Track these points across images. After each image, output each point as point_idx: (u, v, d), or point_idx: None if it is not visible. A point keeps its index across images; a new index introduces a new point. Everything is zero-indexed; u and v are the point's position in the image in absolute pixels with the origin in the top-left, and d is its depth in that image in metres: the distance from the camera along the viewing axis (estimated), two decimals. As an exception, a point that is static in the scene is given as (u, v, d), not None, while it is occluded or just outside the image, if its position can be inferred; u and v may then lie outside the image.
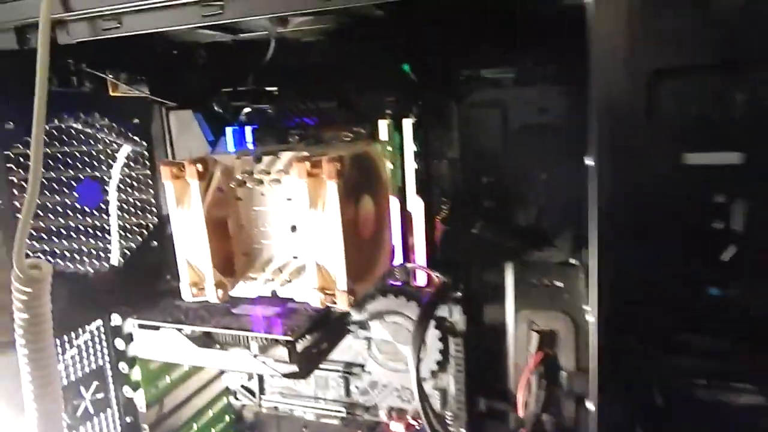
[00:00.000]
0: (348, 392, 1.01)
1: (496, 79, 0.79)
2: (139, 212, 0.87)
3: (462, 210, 0.79)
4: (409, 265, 0.79)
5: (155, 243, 0.90)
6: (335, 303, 0.64)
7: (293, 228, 0.66)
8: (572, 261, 0.82)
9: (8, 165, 0.66)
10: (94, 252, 0.79)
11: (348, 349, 0.98)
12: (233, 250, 0.70)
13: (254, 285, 0.69)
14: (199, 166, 0.63)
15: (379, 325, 0.94)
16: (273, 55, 0.80)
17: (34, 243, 0.70)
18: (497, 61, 0.78)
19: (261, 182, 0.65)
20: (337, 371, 1.00)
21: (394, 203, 0.77)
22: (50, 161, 0.72)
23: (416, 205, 0.78)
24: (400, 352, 0.94)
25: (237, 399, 1.09)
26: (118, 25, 0.55)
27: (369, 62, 0.79)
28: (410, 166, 0.77)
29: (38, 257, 0.70)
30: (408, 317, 0.91)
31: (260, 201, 0.67)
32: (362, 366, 0.98)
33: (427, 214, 0.79)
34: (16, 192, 0.67)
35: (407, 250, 0.81)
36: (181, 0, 0.51)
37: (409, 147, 0.76)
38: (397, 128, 0.77)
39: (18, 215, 0.66)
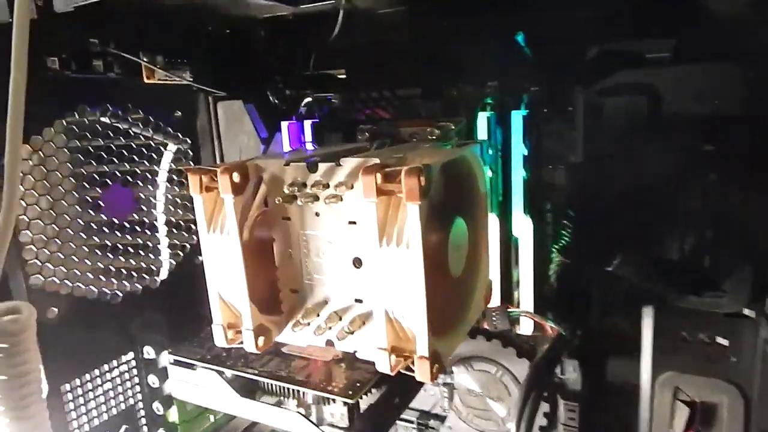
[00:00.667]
0: (422, 446, 0.83)
1: (642, 55, 0.55)
2: (181, 223, 0.73)
3: (589, 238, 0.57)
4: (513, 311, 0.59)
5: (199, 259, 0.76)
6: (412, 372, 0.45)
7: (357, 262, 0.48)
8: (747, 312, 0.58)
9: None
10: (124, 270, 0.66)
11: (425, 395, 0.79)
12: (278, 285, 0.53)
13: (304, 332, 0.52)
14: (236, 176, 0.47)
15: (464, 371, 0.74)
16: (341, 32, 0.63)
17: (46, 263, 0.57)
18: (644, 31, 0.55)
19: (316, 198, 0.47)
20: (410, 421, 0.81)
21: (492, 224, 0.57)
22: (69, 164, 0.59)
23: (524, 228, 0.57)
24: (491, 408, 0.74)
25: (293, 438, 0.94)
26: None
27: (464, 36, 0.59)
28: (518, 174, 0.56)
29: (52, 281, 0.58)
30: (503, 367, 0.71)
31: (314, 223, 0.49)
32: (442, 419, 0.79)
33: (538, 241, 0.58)
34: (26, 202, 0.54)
35: (508, 288, 0.60)
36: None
37: (518, 148, 0.55)
38: (499, 123, 0.57)
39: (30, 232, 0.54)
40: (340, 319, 0.51)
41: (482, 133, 0.56)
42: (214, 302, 0.52)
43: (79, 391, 0.62)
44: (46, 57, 0.53)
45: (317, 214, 0.49)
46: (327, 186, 0.47)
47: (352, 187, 0.46)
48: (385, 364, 0.46)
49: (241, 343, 0.53)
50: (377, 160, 0.44)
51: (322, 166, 0.47)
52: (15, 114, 0.39)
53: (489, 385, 0.73)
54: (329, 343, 0.52)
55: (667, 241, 0.57)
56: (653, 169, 0.56)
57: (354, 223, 0.47)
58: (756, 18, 0.50)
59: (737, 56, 0.51)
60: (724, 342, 0.60)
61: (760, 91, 0.50)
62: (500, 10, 0.57)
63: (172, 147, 0.71)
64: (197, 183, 0.49)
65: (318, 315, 0.52)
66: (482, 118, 0.55)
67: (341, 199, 0.47)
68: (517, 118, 0.54)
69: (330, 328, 0.51)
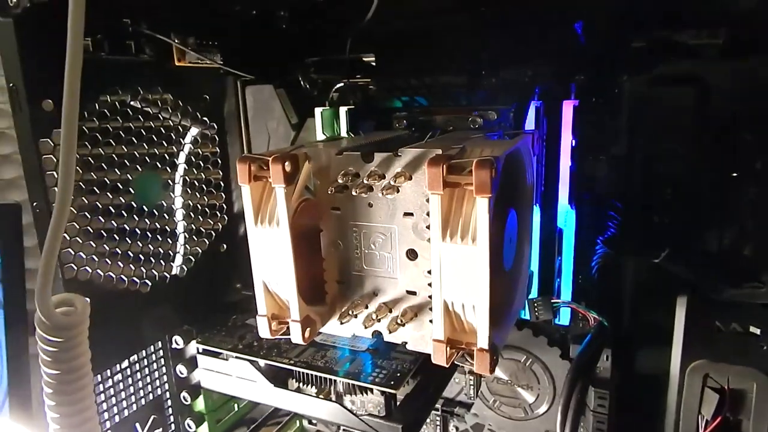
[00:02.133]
0: (445, 432, 0.84)
1: (692, 45, 0.55)
2: (207, 210, 0.72)
3: (634, 229, 0.57)
4: (556, 301, 0.59)
5: (224, 246, 0.75)
6: (471, 364, 0.45)
7: (412, 253, 0.48)
8: (782, 303, 0.59)
9: (46, 155, 0.50)
10: (152, 259, 0.64)
11: (451, 382, 0.80)
12: (324, 276, 0.52)
13: (352, 324, 0.52)
14: (288, 165, 0.45)
15: (492, 360, 0.74)
16: (375, 15, 0.61)
17: (78, 252, 0.55)
18: (694, 20, 0.55)
19: (371, 189, 0.46)
20: (435, 409, 0.82)
21: (535, 214, 0.57)
22: (101, 148, 0.57)
23: (568, 219, 0.57)
24: (520, 396, 0.75)
25: (312, 424, 0.94)
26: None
27: (511, 22, 0.58)
28: (564, 164, 0.56)
29: (84, 270, 0.56)
30: (533, 356, 0.72)
31: (366, 214, 0.48)
32: (467, 406, 0.79)
33: (579, 232, 0.58)
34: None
35: (549, 278, 0.60)
36: None
37: (567, 139, 0.55)
38: (546, 112, 0.56)
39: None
40: (390, 311, 0.50)
41: (530, 122, 0.55)
42: (260, 293, 0.51)
43: (110, 382, 0.61)
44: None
45: (370, 205, 0.48)
46: (383, 177, 0.46)
47: (410, 178, 0.45)
48: (441, 356, 0.45)
49: (285, 333, 0.52)
50: (440, 151, 0.43)
51: (378, 156, 0.46)
52: (70, 108, 0.37)
53: (518, 374, 0.73)
54: (377, 334, 0.51)
55: (709, 233, 0.57)
56: (697, 162, 0.56)
57: (410, 214, 0.46)
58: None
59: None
60: (757, 331, 0.61)
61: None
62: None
63: (194, 131, 0.69)
64: (246, 172, 0.47)
65: (367, 307, 0.51)
66: (531, 108, 0.54)
67: (398, 191, 0.46)
68: (567, 107, 0.54)
69: (380, 320, 0.50)
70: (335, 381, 0.60)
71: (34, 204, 0.51)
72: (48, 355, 0.39)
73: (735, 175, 0.55)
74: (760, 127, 0.53)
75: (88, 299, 0.41)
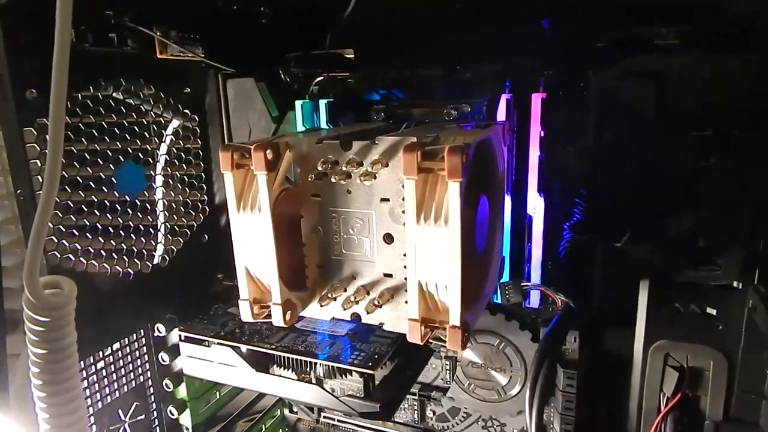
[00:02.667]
0: (423, 417, 0.86)
1: (653, 41, 0.59)
2: (188, 201, 0.73)
3: (599, 215, 0.60)
4: (526, 284, 0.62)
5: (206, 237, 0.76)
6: (443, 342, 0.48)
7: (388, 237, 0.50)
8: (735, 284, 0.63)
9: (29, 144, 0.51)
10: (135, 249, 0.65)
11: (427, 367, 0.82)
12: (305, 261, 0.54)
13: (331, 306, 0.54)
14: (269, 153, 0.47)
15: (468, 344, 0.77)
16: (354, 10, 0.63)
17: (62, 240, 0.56)
18: (655, 18, 0.58)
19: (349, 176, 0.49)
20: (412, 393, 0.84)
21: (506, 202, 0.60)
22: (84, 140, 0.58)
23: (537, 207, 0.60)
24: (493, 378, 0.78)
25: (293, 412, 0.96)
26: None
27: (483, 18, 0.61)
28: (533, 154, 0.59)
29: (67, 258, 0.57)
30: (506, 339, 0.75)
31: (345, 200, 0.51)
32: (443, 390, 0.82)
33: (548, 218, 0.61)
34: (41, 178, 0.53)
35: (519, 263, 0.63)
36: None
37: (535, 130, 0.58)
38: (517, 105, 0.59)
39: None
40: (368, 293, 0.53)
41: (501, 114, 0.58)
42: (242, 278, 0.53)
43: (93, 368, 0.62)
44: (65, 28, 0.52)
45: (348, 192, 0.50)
46: (361, 164, 0.48)
47: (386, 165, 0.47)
48: (416, 334, 0.48)
49: (267, 317, 0.54)
50: (415, 139, 0.45)
51: (356, 144, 0.48)
52: (57, 100, 0.39)
53: (491, 357, 0.76)
54: (355, 316, 0.54)
55: (669, 219, 0.60)
56: (659, 152, 0.59)
57: (387, 200, 0.49)
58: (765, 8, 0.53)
59: (744, 46, 0.55)
60: (713, 311, 0.65)
61: (763, 80, 0.54)
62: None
63: (175, 123, 0.70)
64: (228, 160, 0.49)
65: (345, 290, 0.53)
66: (502, 101, 0.57)
67: (375, 177, 0.48)
68: (536, 100, 0.57)
69: (358, 302, 0.53)
70: (316, 364, 0.62)
71: (18, 192, 0.52)
72: (36, 335, 0.40)
73: (694, 164, 0.59)
74: (717, 119, 0.57)
75: (74, 283, 0.42)
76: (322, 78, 0.69)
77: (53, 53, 0.38)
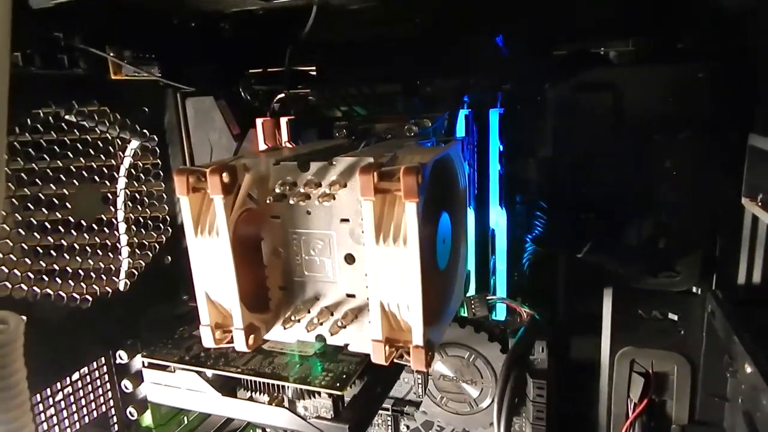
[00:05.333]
0: (396, 432, 0.86)
1: (608, 54, 0.60)
2: (149, 222, 0.71)
3: (559, 227, 0.61)
4: (491, 298, 0.62)
5: (169, 258, 0.75)
6: (407, 361, 0.47)
7: (349, 258, 0.50)
8: (695, 290, 0.65)
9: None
10: (93, 274, 0.63)
11: (399, 383, 0.82)
12: (267, 283, 0.53)
13: (295, 329, 0.53)
14: (225, 176, 0.47)
15: (439, 358, 0.77)
16: (314, 27, 0.63)
17: (12, 269, 0.54)
18: (610, 31, 0.59)
19: (308, 197, 0.48)
20: (385, 408, 0.84)
21: (469, 216, 0.60)
22: (35, 164, 0.56)
23: (500, 220, 0.61)
24: (465, 391, 0.78)
25: (265, 433, 0.94)
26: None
27: (441, 34, 0.61)
28: (493, 168, 0.59)
29: (20, 288, 0.55)
30: (476, 351, 0.75)
31: (305, 221, 0.50)
32: (416, 404, 0.82)
33: (511, 231, 0.62)
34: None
35: (484, 276, 0.64)
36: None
37: (494, 144, 0.58)
38: (476, 120, 0.59)
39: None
40: (332, 314, 0.52)
41: (461, 129, 0.58)
42: (202, 303, 0.52)
43: (50, 401, 0.60)
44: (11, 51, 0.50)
45: (308, 213, 0.50)
46: (319, 185, 0.48)
47: (345, 186, 0.47)
48: (380, 355, 0.47)
49: (229, 342, 0.53)
50: (371, 159, 0.45)
51: (314, 165, 0.48)
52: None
53: (462, 370, 0.76)
54: (320, 338, 0.53)
55: (628, 228, 0.61)
56: (616, 162, 0.60)
57: (347, 220, 0.48)
58: (708, 22, 0.55)
59: (694, 56, 0.57)
60: (675, 317, 0.67)
61: (710, 91, 0.55)
62: (474, 10, 0.59)
63: (134, 143, 0.69)
64: (184, 184, 0.48)
65: (309, 311, 0.53)
66: (461, 116, 0.57)
67: (334, 198, 0.48)
68: (494, 115, 0.57)
69: (322, 323, 0.52)
70: (283, 387, 0.61)
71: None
72: (-20, 374, 0.39)
73: (650, 173, 0.60)
74: (669, 129, 0.58)
75: (23, 317, 0.40)
76: (283, 95, 0.68)
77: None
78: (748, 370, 0.49)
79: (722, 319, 0.58)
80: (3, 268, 0.53)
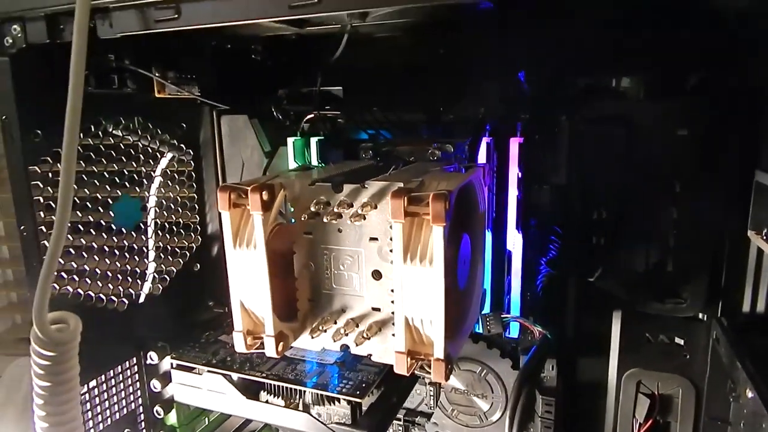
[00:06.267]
0: (407, 442, 0.88)
1: (620, 89, 0.63)
2: (181, 231, 0.75)
3: (573, 251, 0.64)
4: (505, 317, 0.65)
5: (198, 266, 0.78)
6: (428, 373, 0.51)
7: (376, 274, 0.53)
8: (700, 316, 0.67)
9: (34, 182, 0.54)
10: (129, 279, 0.67)
11: (412, 393, 0.85)
12: (297, 294, 0.57)
13: (322, 338, 0.57)
14: (265, 195, 0.50)
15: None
16: (343, 53, 0.67)
17: (59, 272, 0.58)
18: (622, 68, 0.63)
19: (340, 216, 0.52)
20: (397, 419, 0.87)
21: (488, 238, 0.64)
22: (82, 175, 0.60)
23: (516, 242, 0.64)
24: (475, 404, 0.81)
25: (279, 437, 0.97)
26: (176, 16, 0.42)
27: (465, 65, 0.65)
28: (512, 194, 0.63)
29: (65, 290, 0.59)
30: (487, 366, 0.78)
31: (336, 238, 0.54)
32: (427, 415, 0.85)
33: (526, 253, 0.65)
34: (42, 214, 0.55)
35: (499, 295, 0.67)
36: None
37: (513, 171, 0.62)
38: (496, 147, 0.63)
39: (46, 242, 0.55)
40: (357, 326, 0.55)
41: (482, 156, 0.62)
42: (236, 310, 0.56)
43: (86, 396, 0.64)
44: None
45: (339, 230, 0.54)
46: (351, 205, 0.51)
47: (375, 207, 0.51)
48: (402, 366, 0.51)
49: (259, 348, 0.57)
50: (401, 184, 0.49)
51: (347, 187, 0.52)
52: (70, 137, 0.42)
53: (474, 384, 0.79)
54: (345, 347, 0.56)
55: (637, 255, 0.65)
56: (626, 191, 0.64)
57: (375, 239, 0.52)
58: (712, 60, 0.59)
59: (701, 94, 0.60)
60: (681, 342, 0.69)
61: (717, 127, 0.59)
62: (495, 43, 0.63)
63: (169, 156, 0.73)
64: (226, 200, 0.52)
65: (335, 322, 0.56)
66: (483, 143, 0.61)
67: (364, 218, 0.51)
68: (513, 144, 0.61)
69: (347, 334, 0.55)
70: (305, 392, 0.65)
71: (22, 228, 0.54)
72: (42, 368, 0.42)
73: (659, 202, 0.63)
74: (678, 161, 0.62)
75: (79, 318, 0.44)
76: (312, 116, 0.72)
77: (67, 101, 0.41)
78: (749, 395, 0.51)
79: (726, 345, 0.60)
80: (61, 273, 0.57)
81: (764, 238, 0.55)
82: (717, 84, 0.62)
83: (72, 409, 0.45)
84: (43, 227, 0.55)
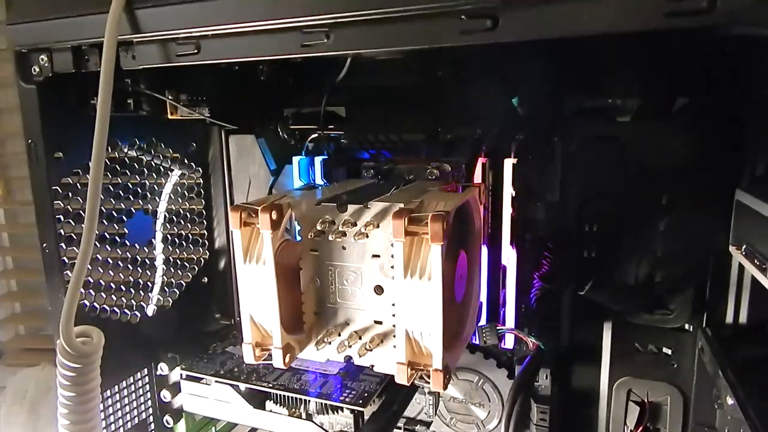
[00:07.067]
0: (407, 450, 0.91)
1: (611, 111, 0.67)
2: (190, 245, 0.79)
3: (564, 266, 0.67)
4: (500, 328, 0.68)
5: (206, 279, 0.82)
6: (427, 382, 0.54)
7: (378, 289, 0.56)
8: (687, 327, 0.71)
9: (56, 201, 0.57)
10: (142, 292, 0.71)
11: (412, 402, 0.87)
12: (303, 308, 0.60)
13: (326, 350, 0.60)
14: (274, 215, 0.54)
15: (450, 381, 0.83)
16: (347, 74, 0.70)
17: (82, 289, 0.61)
18: (613, 91, 0.67)
19: (344, 234, 0.55)
20: (398, 427, 0.89)
21: (483, 253, 0.67)
22: (102, 195, 0.63)
23: (510, 257, 0.67)
24: (473, 413, 0.83)
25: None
26: (195, 51, 0.46)
27: (462, 87, 0.69)
28: (506, 211, 0.66)
29: (83, 304, 0.62)
30: (484, 376, 0.81)
31: (340, 255, 0.57)
32: (427, 424, 0.87)
33: (520, 267, 0.68)
34: (63, 232, 0.58)
35: (495, 308, 0.70)
36: (280, 22, 0.41)
37: (508, 190, 0.65)
38: (492, 167, 0.66)
39: (66, 258, 0.58)
40: (360, 338, 0.58)
41: (478, 176, 0.65)
42: (246, 323, 0.59)
43: (101, 406, 0.66)
44: (91, 100, 0.58)
45: (343, 248, 0.57)
46: (355, 224, 0.55)
47: (377, 226, 0.54)
48: (403, 376, 0.54)
49: (267, 359, 0.60)
50: (402, 205, 0.52)
51: (351, 207, 0.55)
52: (98, 157, 0.45)
53: (471, 393, 0.82)
54: (348, 358, 0.59)
55: (627, 268, 0.68)
56: (616, 209, 0.67)
57: (377, 256, 0.55)
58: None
59: (689, 117, 0.64)
60: (669, 351, 0.72)
61: (703, 148, 0.63)
62: (489, 67, 0.67)
63: (178, 173, 0.76)
64: (237, 219, 0.55)
65: (339, 335, 0.59)
66: (479, 164, 0.65)
67: (367, 236, 0.55)
68: (508, 164, 0.65)
69: (350, 346, 0.58)
70: (309, 401, 0.68)
71: (44, 245, 0.57)
72: (67, 379, 0.45)
73: (648, 219, 0.67)
74: (665, 180, 0.65)
75: (101, 332, 0.48)
76: (316, 135, 0.76)
77: (95, 126, 0.44)
78: (730, 402, 0.55)
79: (710, 354, 0.64)
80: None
81: (743, 253, 0.58)
82: (702, 109, 0.65)
83: (94, 417, 0.48)
84: (63, 244, 0.58)
